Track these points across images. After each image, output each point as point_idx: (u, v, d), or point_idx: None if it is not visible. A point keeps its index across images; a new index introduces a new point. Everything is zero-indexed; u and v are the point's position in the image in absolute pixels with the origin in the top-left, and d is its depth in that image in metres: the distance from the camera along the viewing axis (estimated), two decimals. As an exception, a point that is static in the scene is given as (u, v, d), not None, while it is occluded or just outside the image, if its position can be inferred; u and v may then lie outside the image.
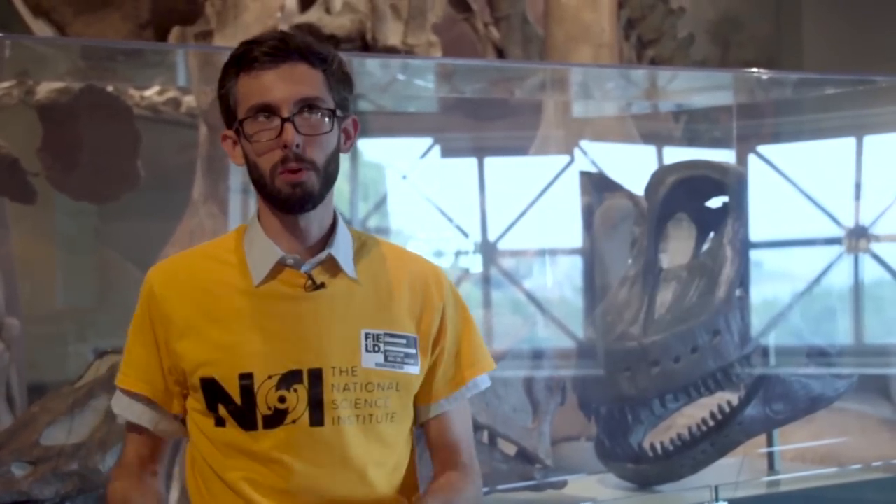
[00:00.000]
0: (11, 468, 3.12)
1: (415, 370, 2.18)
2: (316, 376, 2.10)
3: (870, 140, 5.70)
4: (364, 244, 2.22)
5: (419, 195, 5.73)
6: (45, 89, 5.45)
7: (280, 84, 2.06)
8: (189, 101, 6.19)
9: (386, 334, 2.16)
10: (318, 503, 2.10)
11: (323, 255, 2.14)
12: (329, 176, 2.11)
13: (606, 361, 4.20)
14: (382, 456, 2.16)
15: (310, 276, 2.13)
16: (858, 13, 8.90)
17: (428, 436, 2.26)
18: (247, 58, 2.09)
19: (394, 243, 2.29)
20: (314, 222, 2.14)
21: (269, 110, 2.07)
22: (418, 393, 2.23)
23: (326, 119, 2.09)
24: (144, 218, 5.98)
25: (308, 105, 2.07)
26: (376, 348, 2.14)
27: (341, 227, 2.18)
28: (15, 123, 5.76)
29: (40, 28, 5.36)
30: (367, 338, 2.14)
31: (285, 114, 2.06)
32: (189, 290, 2.14)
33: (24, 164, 4.95)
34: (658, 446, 4.24)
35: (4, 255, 4.96)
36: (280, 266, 2.13)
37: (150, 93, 6.28)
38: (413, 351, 2.18)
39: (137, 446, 2.23)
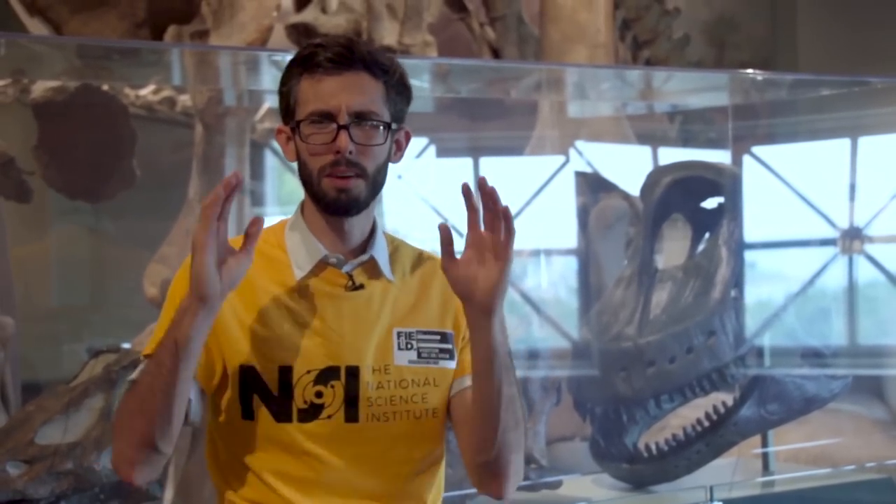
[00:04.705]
0: (6, 467, 3.11)
1: (451, 364, 2.24)
2: (353, 374, 2.16)
3: (865, 141, 5.71)
4: (397, 248, 2.30)
5: (415, 195, 5.72)
6: (41, 88, 5.43)
7: (341, 92, 2.12)
8: (184, 100, 6.18)
9: (419, 332, 2.22)
10: (349, 495, 2.16)
11: (365, 257, 2.21)
12: (377, 185, 2.18)
13: (602, 362, 4.21)
14: (419, 452, 2.21)
15: (350, 277, 2.19)
16: (854, 14, 8.90)
17: (454, 412, 2.24)
18: (312, 61, 2.14)
19: (416, 246, 2.35)
20: (357, 226, 2.21)
21: (327, 116, 2.12)
22: None
23: (381, 131, 2.15)
24: (140, 217, 5.98)
25: (364, 116, 2.13)
26: (409, 346, 2.20)
27: (380, 232, 2.26)
28: (10, 122, 5.75)
29: (36, 26, 5.34)
30: (398, 336, 2.20)
31: (342, 121, 2.12)
32: None
33: (19, 162, 4.94)
34: (653, 446, 4.25)
35: (0, 254, 4.96)
36: (322, 264, 2.20)
37: (146, 92, 6.27)
38: (449, 346, 2.24)
39: None
